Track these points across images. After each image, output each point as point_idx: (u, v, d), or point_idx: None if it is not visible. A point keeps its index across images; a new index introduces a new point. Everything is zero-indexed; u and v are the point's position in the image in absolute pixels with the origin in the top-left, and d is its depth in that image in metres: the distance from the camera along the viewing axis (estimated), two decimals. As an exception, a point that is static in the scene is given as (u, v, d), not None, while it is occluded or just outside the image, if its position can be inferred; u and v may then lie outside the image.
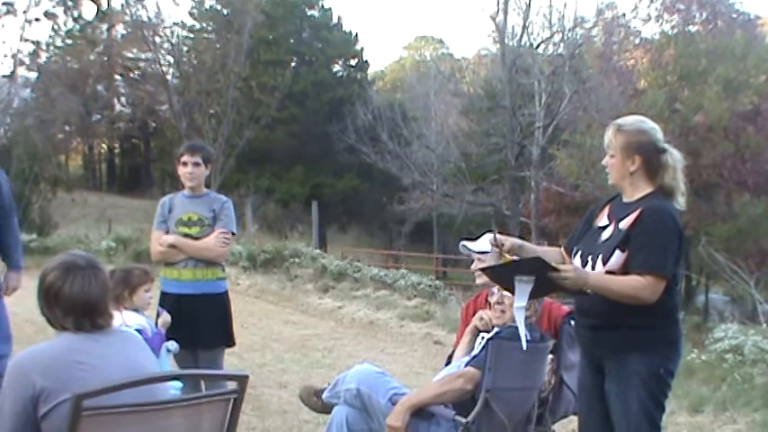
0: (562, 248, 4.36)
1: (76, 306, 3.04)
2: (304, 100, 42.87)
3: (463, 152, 36.05)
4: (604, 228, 4.14)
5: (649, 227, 3.93)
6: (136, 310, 5.05)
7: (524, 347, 4.24)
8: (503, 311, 4.70)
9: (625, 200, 4.12)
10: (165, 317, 5.33)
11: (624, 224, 4.00)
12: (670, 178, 4.06)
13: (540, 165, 30.79)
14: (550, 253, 4.35)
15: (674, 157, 4.09)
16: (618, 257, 3.95)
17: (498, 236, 4.20)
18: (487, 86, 37.82)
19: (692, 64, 29.70)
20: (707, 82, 28.62)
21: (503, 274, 4.11)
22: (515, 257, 4.18)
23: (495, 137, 34.13)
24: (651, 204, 3.99)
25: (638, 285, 3.86)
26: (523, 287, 3.95)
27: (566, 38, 31.85)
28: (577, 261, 4.12)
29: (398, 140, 35.22)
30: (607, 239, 4.06)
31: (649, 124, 4.13)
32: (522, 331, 4.15)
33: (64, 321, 3.07)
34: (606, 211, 4.21)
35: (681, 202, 4.09)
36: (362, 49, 49.05)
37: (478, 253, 5.03)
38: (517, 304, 4.00)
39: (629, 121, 4.16)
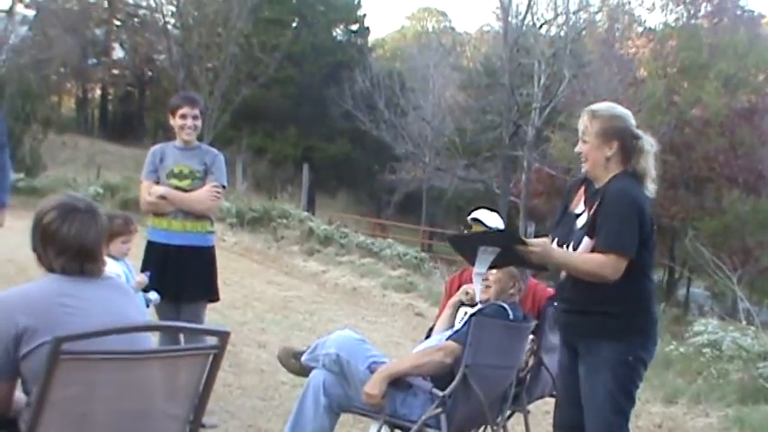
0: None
1: (71, 249, 2.99)
2: (302, 62, 42.65)
3: (458, 127, 36.02)
4: (580, 215, 4.15)
5: (607, 208, 3.94)
6: (114, 258, 5.00)
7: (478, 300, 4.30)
8: (487, 286, 4.70)
9: (597, 185, 4.11)
10: (143, 277, 5.29)
11: (592, 210, 4.02)
12: (644, 163, 4.06)
13: (534, 146, 30.74)
14: None
15: (649, 142, 4.10)
16: (585, 244, 3.97)
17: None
18: (487, 63, 37.75)
19: (694, 57, 29.63)
20: (707, 76, 28.58)
21: (467, 244, 4.13)
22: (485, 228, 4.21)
23: (492, 114, 34.05)
24: (610, 187, 4.00)
25: (599, 262, 3.87)
26: (486, 257, 3.99)
27: (569, 20, 31.72)
28: None
29: (394, 110, 35.15)
30: (582, 226, 4.07)
31: (622, 110, 4.15)
32: (478, 293, 4.21)
33: (54, 262, 3.02)
34: (582, 196, 4.20)
35: (651, 189, 4.09)
36: (365, 15, 49.01)
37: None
38: (477, 270, 4.04)
39: (603, 106, 4.16)
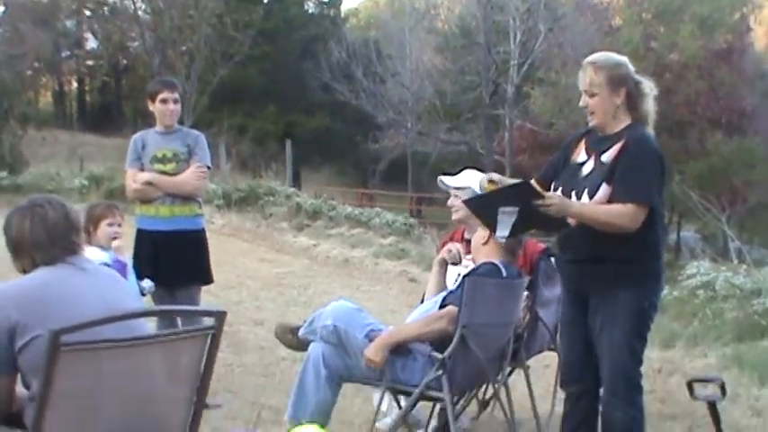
0: (533, 181, 4.29)
1: (14, 245, 3.12)
2: (277, 37, 42.37)
3: (438, 90, 35.92)
4: (583, 163, 4.15)
5: (633, 156, 3.97)
6: (102, 248, 4.99)
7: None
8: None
9: (603, 133, 4.12)
10: (147, 282, 5.30)
11: (607, 157, 4.03)
12: (647, 106, 4.12)
13: (515, 103, 30.75)
14: None
15: (649, 85, 4.15)
16: (604, 191, 3.98)
17: (494, 175, 4.23)
18: (462, 23, 37.63)
19: (668, 1, 29.63)
20: (682, 20, 28.63)
21: (486, 206, 4.11)
22: (500, 185, 4.17)
23: (470, 75, 33.98)
24: (633, 134, 4.03)
25: (620, 212, 3.90)
26: (506, 219, 3.95)
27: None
28: None
29: (373, 78, 35.05)
30: (589, 173, 4.08)
31: (620, 57, 4.18)
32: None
33: (13, 262, 3.14)
34: (583, 145, 4.21)
35: (650, 131, 4.13)
36: (335, -15, 48.62)
37: (455, 189, 5.05)
38: (499, 234, 4.02)
39: (602, 57, 4.17)
